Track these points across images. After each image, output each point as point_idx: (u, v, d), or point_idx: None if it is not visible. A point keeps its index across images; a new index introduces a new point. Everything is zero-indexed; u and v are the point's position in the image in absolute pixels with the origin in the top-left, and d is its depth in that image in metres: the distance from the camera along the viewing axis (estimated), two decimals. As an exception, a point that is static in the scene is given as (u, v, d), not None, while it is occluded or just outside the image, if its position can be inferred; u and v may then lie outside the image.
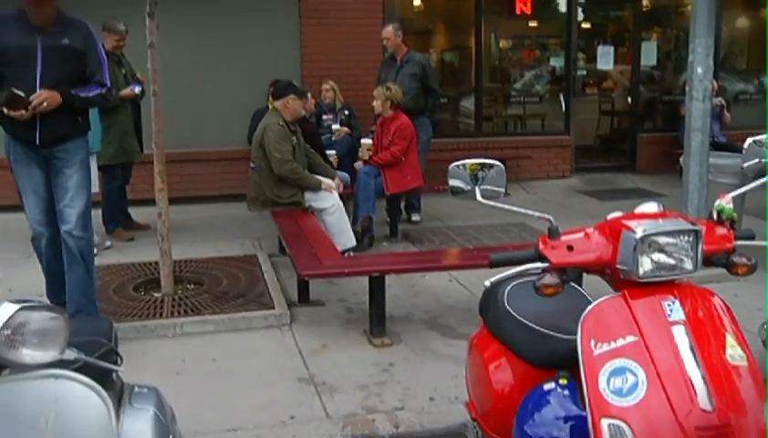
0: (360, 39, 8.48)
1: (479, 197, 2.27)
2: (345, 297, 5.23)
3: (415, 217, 7.51)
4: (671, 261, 1.87)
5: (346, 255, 5.55)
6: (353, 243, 5.91)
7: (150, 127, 5.03)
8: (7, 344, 1.59)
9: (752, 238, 2.08)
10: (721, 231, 2.03)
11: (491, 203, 2.26)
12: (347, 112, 8.01)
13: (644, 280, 1.87)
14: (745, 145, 2.50)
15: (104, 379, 1.98)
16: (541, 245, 2.00)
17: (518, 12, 9.65)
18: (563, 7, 9.99)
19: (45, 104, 3.97)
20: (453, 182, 2.34)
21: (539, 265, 2.00)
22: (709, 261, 1.97)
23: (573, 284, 2.37)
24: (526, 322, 2.37)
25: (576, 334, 1.92)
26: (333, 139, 7.67)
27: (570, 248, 1.99)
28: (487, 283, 2.10)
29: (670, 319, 1.81)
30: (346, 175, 6.93)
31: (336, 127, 7.78)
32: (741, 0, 10.25)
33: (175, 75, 6.96)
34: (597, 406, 1.79)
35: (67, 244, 4.23)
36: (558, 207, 8.20)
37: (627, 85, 10.52)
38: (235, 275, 5.54)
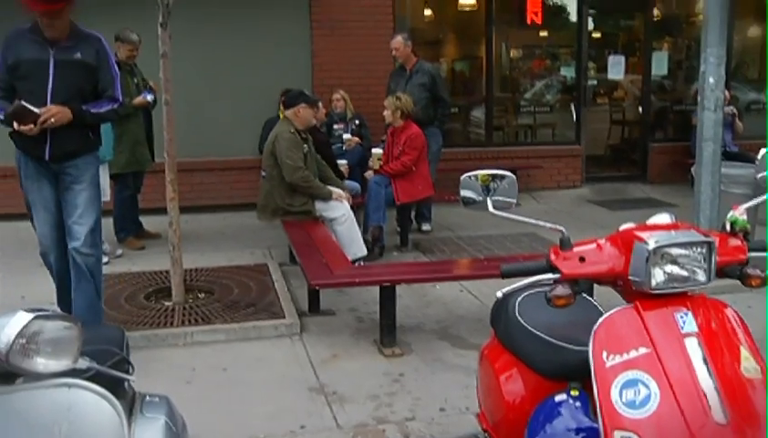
0: (371, 49, 8.50)
1: (491, 208, 2.27)
2: (355, 307, 5.23)
3: (426, 227, 7.50)
4: (684, 273, 1.86)
5: (356, 264, 5.56)
6: (364, 252, 5.91)
7: (162, 136, 5.05)
8: (22, 353, 1.60)
9: (766, 250, 2.06)
10: (735, 242, 2.02)
11: (502, 213, 2.25)
12: (357, 122, 8.02)
13: (656, 292, 1.86)
14: (759, 155, 2.49)
15: (116, 388, 1.98)
16: (552, 256, 2.00)
17: (529, 22, 9.66)
18: (573, 17, 9.98)
19: (53, 119, 3.94)
20: (465, 193, 2.33)
21: (551, 276, 1.99)
22: (722, 272, 1.96)
23: (584, 295, 2.36)
24: (538, 333, 2.37)
25: (587, 345, 1.92)
26: (344, 148, 7.69)
27: (582, 259, 1.98)
28: (499, 294, 2.09)
29: (683, 331, 1.80)
30: (356, 185, 6.95)
31: (346, 136, 7.79)
32: (752, 9, 10.20)
33: (187, 84, 6.99)
34: (610, 418, 1.77)
35: (76, 261, 4.20)
36: (569, 217, 8.18)
37: (638, 94, 10.49)
38: (246, 284, 5.56)
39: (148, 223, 7.10)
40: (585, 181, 9.89)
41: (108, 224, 6.67)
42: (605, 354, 1.85)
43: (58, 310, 4.10)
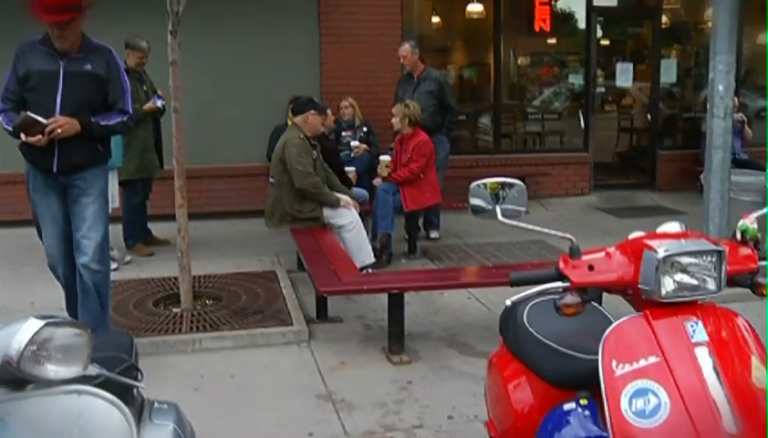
0: (380, 56, 8.52)
1: (500, 217, 2.27)
2: (363, 314, 5.23)
3: (434, 234, 7.50)
4: (694, 281, 1.86)
5: (364, 271, 5.56)
6: (372, 259, 5.92)
7: (171, 143, 5.07)
8: (33, 359, 1.60)
9: (776, 258, 2.06)
10: (745, 251, 2.02)
11: (512, 222, 2.25)
12: (365, 129, 8.04)
13: (666, 300, 1.86)
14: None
15: (125, 394, 1.99)
16: (562, 265, 2.00)
17: (537, 29, 9.67)
18: (581, 24, 9.99)
19: (60, 130, 3.90)
20: (474, 202, 2.33)
21: (560, 284, 1.99)
22: (732, 281, 1.96)
23: (593, 303, 2.35)
24: (546, 341, 2.36)
25: (596, 354, 1.91)
26: (352, 155, 7.70)
27: (591, 268, 1.98)
28: (508, 302, 2.09)
29: (693, 340, 1.79)
30: (364, 192, 6.95)
31: (355, 144, 7.81)
32: (761, 16, 10.17)
33: (195, 91, 7.03)
34: (619, 427, 1.77)
35: (83, 277, 4.17)
36: (577, 225, 8.17)
37: (646, 102, 10.48)
38: (254, 291, 5.56)
39: (156, 229, 7.13)
40: (593, 188, 9.88)
41: (117, 230, 6.71)
42: (614, 363, 1.85)
43: (68, 317, 4.13)
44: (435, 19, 9.92)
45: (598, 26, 10.01)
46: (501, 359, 2.68)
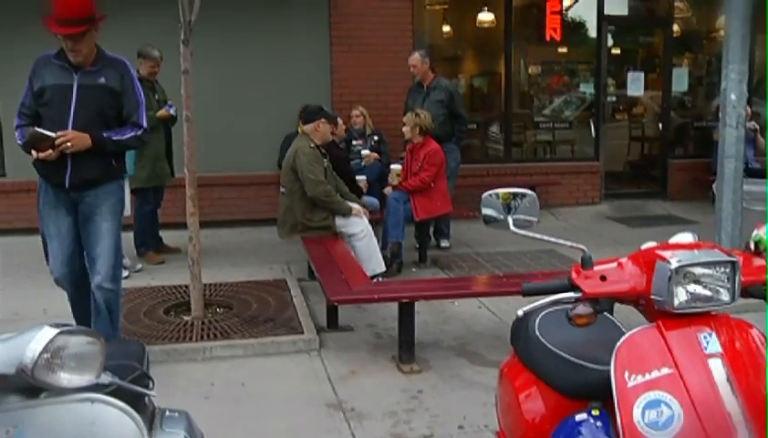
0: (390, 65, 8.55)
1: (512, 227, 2.26)
2: (373, 323, 5.22)
3: (444, 243, 7.50)
4: (707, 292, 1.84)
5: (375, 280, 5.56)
6: (382, 268, 5.92)
7: (182, 151, 5.10)
8: (47, 367, 1.61)
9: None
10: (759, 262, 2.00)
11: (524, 232, 2.25)
12: (376, 138, 8.05)
13: (679, 311, 1.85)
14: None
15: (136, 402, 2.00)
16: (574, 275, 1.99)
17: (548, 38, 9.67)
18: (592, 33, 9.98)
19: (70, 144, 3.85)
20: (486, 212, 2.33)
21: (572, 295, 1.98)
22: (746, 292, 1.94)
23: (605, 313, 2.34)
24: (558, 351, 2.35)
25: (608, 364, 1.90)
26: (363, 164, 7.71)
27: (603, 278, 1.97)
28: (520, 312, 2.09)
29: (707, 352, 1.78)
30: (375, 201, 6.96)
31: (365, 152, 7.83)
32: (774, 25, 10.16)
33: (207, 100, 7.06)
34: (632, 438, 1.76)
35: (95, 296, 4.12)
36: (588, 234, 8.15)
37: (657, 111, 10.46)
38: (264, 299, 5.57)
39: (167, 237, 7.16)
40: (604, 197, 9.85)
41: (128, 238, 6.74)
42: (627, 374, 1.84)
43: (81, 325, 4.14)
44: (446, 28, 9.94)
45: (609, 35, 10.00)
46: (512, 368, 2.67)
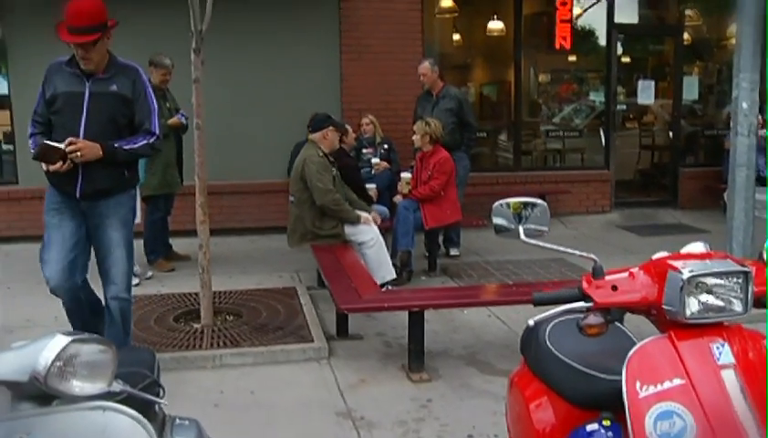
0: (400, 74, 8.57)
1: (522, 236, 2.26)
2: (383, 332, 5.22)
3: (454, 252, 7.49)
4: (720, 303, 1.84)
5: (384, 288, 5.55)
6: (392, 275, 5.92)
7: (192, 159, 5.12)
8: (59, 375, 1.62)
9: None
10: (772, 272, 1.99)
11: (535, 242, 2.25)
12: (386, 146, 8.07)
13: (691, 322, 1.84)
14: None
15: (147, 410, 2.00)
16: (585, 285, 1.98)
17: (557, 46, 9.66)
18: (602, 41, 9.98)
19: (80, 153, 3.79)
20: (497, 221, 2.33)
21: (583, 304, 1.98)
22: (759, 303, 1.93)
23: (616, 323, 2.34)
24: (569, 361, 2.34)
25: (619, 374, 1.89)
26: (372, 173, 7.73)
27: (615, 288, 1.96)
28: (531, 322, 2.08)
29: (719, 363, 1.77)
30: (385, 209, 6.97)
31: (375, 161, 7.84)
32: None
33: (217, 108, 7.10)
34: (644, 450, 1.75)
35: (110, 307, 4.08)
36: (598, 243, 8.12)
37: (668, 119, 10.43)
38: (274, 307, 5.58)
39: (177, 245, 7.18)
40: (614, 206, 9.83)
41: (138, 245, 6.75)
42: (638, 384, 1.83)
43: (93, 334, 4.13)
44: (456, 37, 9.96)
45: (619, 44, 9.99)
46: (522, 378, 2.66)
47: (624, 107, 10.32)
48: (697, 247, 2.01)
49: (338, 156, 6.40)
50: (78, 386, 1.66)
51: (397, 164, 7.96)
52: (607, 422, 2.08)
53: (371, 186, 7.13)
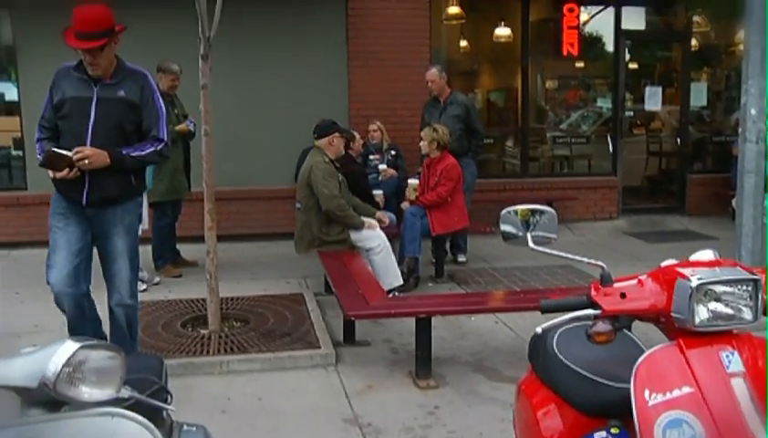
0: (408, 80, 8.58)
1: (531, 243, 2.26)
2: (390, 338, 5.21)
3: (461, 258, 7.48)
4: (729, 311, 1.83)
5: (391, 294, 5.55)
6: (400, 281, 5.92)
7: (200, 165, 5.13)
8: (68, 381, 1.63)
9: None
10: (782, 280, 1.98)
11: (543, 249, 2.25)
12: (393, 153, 8.07)
13: (700, 329, 1.83)
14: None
15: (155, 417, 2.00)
16: (593, 292, 1.98)
17: (565, 53, 9.66)
18: (610, 48, 9.97)
19: (87, 161, 3.75)
20: (505, 228, 2.33)
21: (591, 312, 1.97)
22: (769, 310, 1.93)
23: (625, 330, 2.33)
24: (577, 369, 2.34)
25: (627, 382, 1.89)
26: (380, 179, 7.73)
27: (623, 295, 1.96)
28: (539, 329, 2.08)
29: (729, 371, 1.76)
30: (392, 215, 6.97)
31: (382, 167, 7.84)
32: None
33: (225, 114, 7.12)
34: (653, 458, 1.74)
35: (115, 313, 4.08)
36: (605, 249, 8.09)
37: (675, 125, 10.40)
38: (281, 313, 5.58)
39: (185, 251, 7.20)
40: (621, 212, 9.80)
41: (146, 251, 6.78)
42: (647, 392, 1.82)
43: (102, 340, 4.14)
44: (463, 43, 9.96)
45: (627, 50, 9.98)
46: (530, 385, 2.66)
47: (631, 113, 10.31)
48: (706, 255, 2.00)
49: (346, 162, 6.41)
50: (87, 392, 1.67)
51: (404, 171, 7.96)
52: (615, 431, 2.08)
53: (378, 192, 7.14)
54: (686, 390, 1.77)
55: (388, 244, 6.01)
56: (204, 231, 5.05)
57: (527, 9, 9.49)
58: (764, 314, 1.88)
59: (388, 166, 7.89)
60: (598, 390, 2.23)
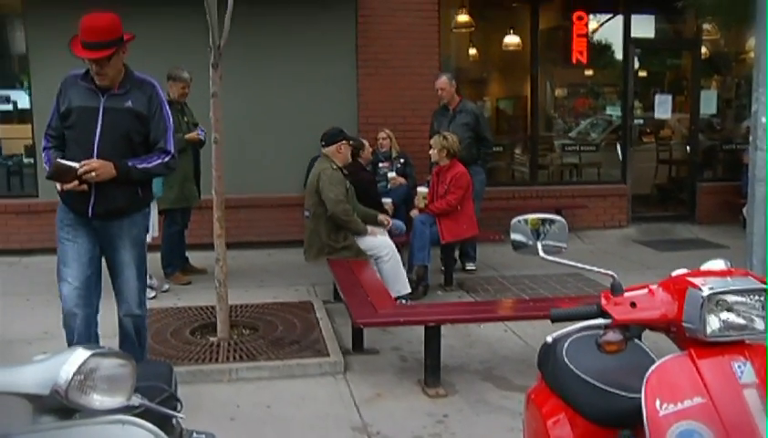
0: (417, 88, 8.59)
1: (541, 253, 2.26)
2: (399, 346, 5.21)
3: (470, 266, 7.47)
4: (741, 321, 1.82)
5: (399, 302, 5.55)
6: (408, 289, 5.92)
7: (209, 173, 5.14)
8: (80, 389, 1.64)
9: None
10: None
11: (552, 258, 2.24)
12: (402, 161, 8.08)
13: (712, 340, 1.82)
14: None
15: (165, 424, 2.01)
16: (604, 302, 1.98)
17: (574, 61, 9.67)
18: (619, 56, 9.96)
19: (94, 174, 3.69)
20: (515, 237, 2.33)
21: (601, 321, 1.97)
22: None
23: (635, 340, 2.32)
24: (587, 378, 2.33)
25: (638, 392, 1.88)
26: (389, 187, 7.74)
27: (633, 305, 1.96)
28: (549, 338, 2.07)
29: (741, 382, 1.75)
30: (401, 223, 6.97)
31: (392, 175, 7.85)
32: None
33: (234, 122, 7.13)
34: (665, 469, 1.73)
35: (123, 323, 4.04)
36: (615, 258, 8.07)
37: (685, 133, 10.38)
38: (290, 321, 5.58)
39: (194, 258, 7.21)
40: (631, 221, 9.77)
41: (155, 258, 6.82)
42: (658, 402, 1.81)
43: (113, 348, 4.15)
44: (472, 51, 9.98)
45: (636, 58, 9.97)
46: (539, 394, 2.65)
47: (641, 121, 10.28)
48: (717, 264, 2.00)
49: (355, 170, 6.42)
50: (98, 400, 1.68)
51: (413, 179, 7.97)
52: (625, 440, 2.06)
53: (387, 200, 7.14)
54: (698, 400, 1.76)
55: (396, 252, 6.02)
56: (214, 238, 5.06)
57: (536, 17, 9.50)
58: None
59: (397, 174, 7.90)
60: (609, 399, 2.22)
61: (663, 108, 9.99)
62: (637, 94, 10.06)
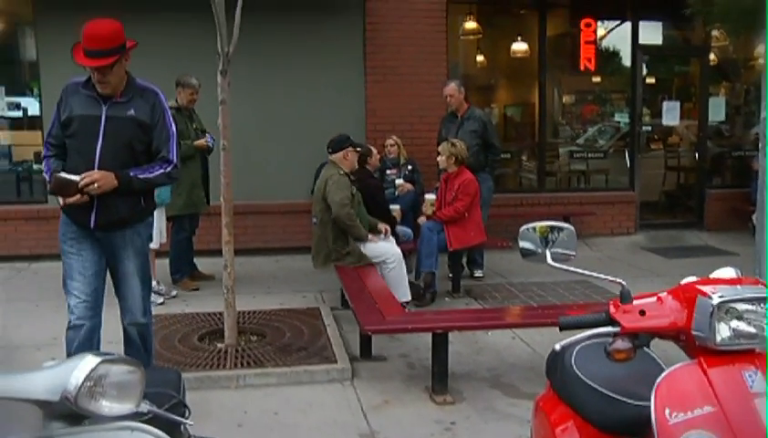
0: (424, 95, 8.60)
1: (549, 260, 2.26)
2: (406, 353, 5.20)
3: (478, 273, 7.46)
4: (752, 329, 1.81)
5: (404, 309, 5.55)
6: (407, 298, 5.93)
7: (218, 179, 5.16)
8: (89, 395, 1.64)
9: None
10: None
11: (561, 266, 2.24)
12: (410, 167, 8.09)
13: (722, 348, 1.81)
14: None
15: (173, 431, 2.02)
16: (613, 310, 1.97)
17: (582, 68, 9.66)
18: (627, 62, 9.96)
19: (95, 186, 3.63)
20: (524, 245, 2.33)
21: (610, 329, 1.96)
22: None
23: (644, 348, 2.31)
24: (595, 386, 2.32)
25: (647, 400, 1.87)
26: (396, 194, 7.74)
27: (642, 313, 1.95)
28: (557, 346, 2.07)
29: (752, 391, 1.74)
30: (408, 231, 6.97)
31: (399, 182, 7.86)
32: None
33: (242, 129, 7.17)
34: (675, 478, 1.72)
35: (128, 332, 4.00)
36: (623, 265, 8.05)
37: (693, 140, 10.35)
38: (298, 327, 5.59)
39: (202, 264, 7.23)
40: (639, 227, 9.74)
41: (163, 264, 6.84)
42: (667, 411, 1.81)
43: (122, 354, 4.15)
44: (480, 58, 9.99)
45: (644, 65, 9.96)
46: (548, 402, 2.64)
47: (649, 128, 10.26)
48: (727, 272, 1.99)
49: (362, 177, 6.42)
50: (108, 406, 1.68)
51: (421, 185, 7.98)
52: (635, 449, 2.05)
53: (395, 207, 7.14)
54: (708, 409, 1.75)
55: (402, 260, 6.02)
56: (222, 245, 5.08)
57: (544, 24, 9.50)
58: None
59: (404, 181, 7.91)
60: (617, 407, 2.21)
61: (671, 114, 9.97)
62: (645, 101, 10.04)
